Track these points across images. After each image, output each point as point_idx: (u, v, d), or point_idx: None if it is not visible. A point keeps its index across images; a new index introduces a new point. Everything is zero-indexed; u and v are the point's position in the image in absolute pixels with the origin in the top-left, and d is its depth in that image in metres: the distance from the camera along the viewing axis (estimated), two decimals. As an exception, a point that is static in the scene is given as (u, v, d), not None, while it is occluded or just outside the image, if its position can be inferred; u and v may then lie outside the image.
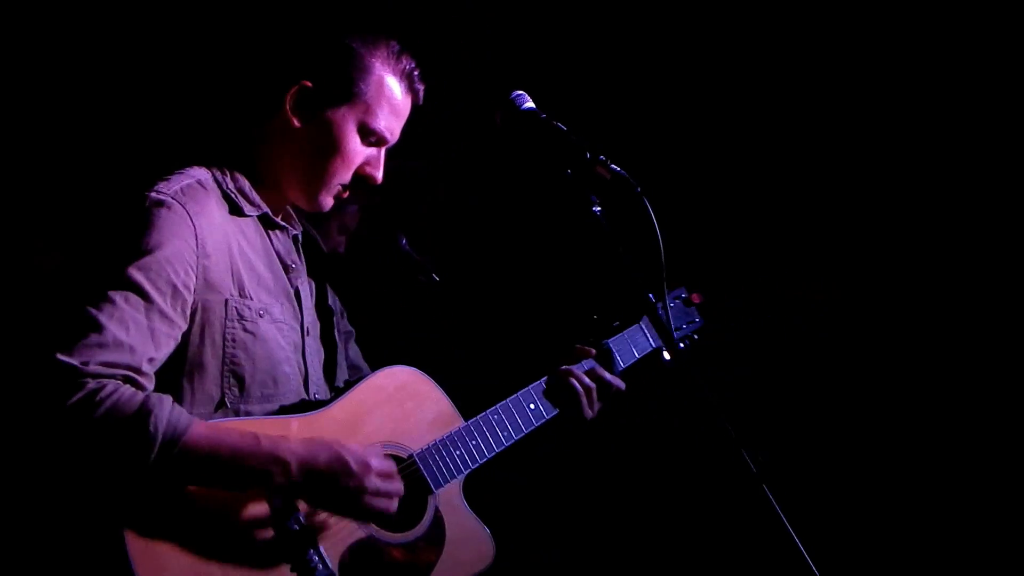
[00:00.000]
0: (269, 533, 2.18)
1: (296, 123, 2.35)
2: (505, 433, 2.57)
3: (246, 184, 2.37)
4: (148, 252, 2.11)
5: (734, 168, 3.99)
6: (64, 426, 1.97)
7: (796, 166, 3.97)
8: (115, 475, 2.03)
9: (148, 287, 2.10)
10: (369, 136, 2.39)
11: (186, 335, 2.19)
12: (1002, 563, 3.63)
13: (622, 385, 2.70)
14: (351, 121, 2.36)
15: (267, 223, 2.42)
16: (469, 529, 2.52)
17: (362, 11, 2.95)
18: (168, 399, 2.07)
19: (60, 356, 1.98)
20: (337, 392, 2.48)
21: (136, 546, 2.04)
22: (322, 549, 2.24)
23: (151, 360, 2.11)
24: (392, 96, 2.39)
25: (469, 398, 2.58)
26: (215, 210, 2.27)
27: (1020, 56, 3.73)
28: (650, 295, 2.84)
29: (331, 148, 2.35)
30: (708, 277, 3.61)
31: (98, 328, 2.03)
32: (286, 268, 2.43)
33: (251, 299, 2.28)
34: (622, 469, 3.80)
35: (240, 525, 2.15)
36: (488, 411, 2.57)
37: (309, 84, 2.34)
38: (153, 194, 2.18)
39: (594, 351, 2.72)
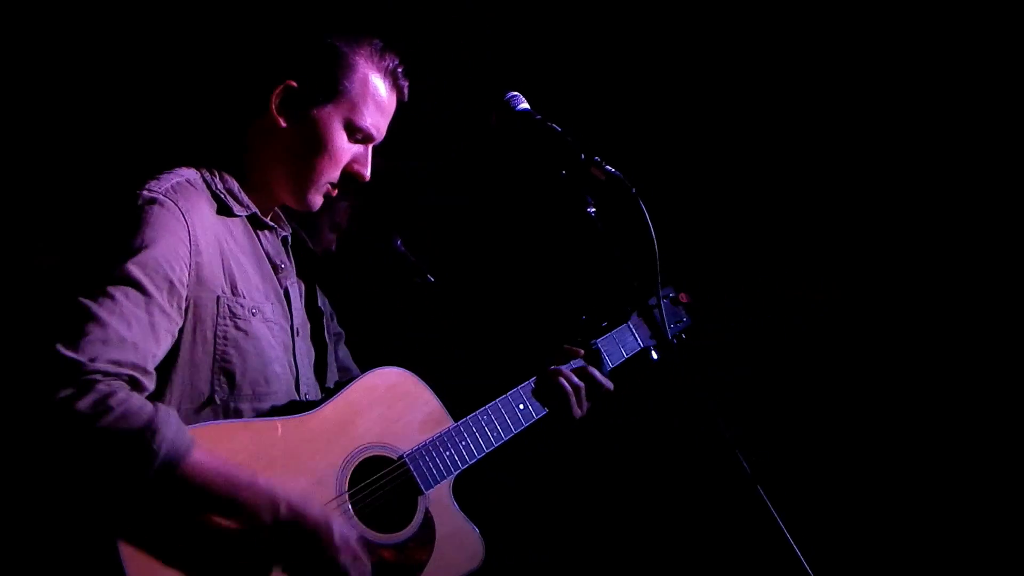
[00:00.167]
0: (262, 539, 2.17)
1: (282, 123, 2.36)
2: (495, 433, 2.58)
3: (235, 185, 2.38)
4: (144, 248, 2.11)
5: (734, 168, 3.98)
6: (68, 426, 1.96)
7: (796, 166, 3.96)
8: (110, 484, 2.03)
9: (146, 283, 2.10)
10: (356, 134, 2.40)
11: (179, 331, 2.20)
12: (1000, 564, 3.62)
13: (610, 385, 2.72)
14: (337, 119, 2.37)
15: (256, 223, 2.43)
16: (459, 529, 2.52)
17: (362, 11, 2.95)
18: (174, 415, 2.06)
19: (65, 351, 1.97)
20: (328, 393, 2.49)
21: (129, 555, 2.04)
22: None
23: (154, 357, 2.12)
24: (377, 93, 2.40)
25: (459, 399, 2.59)
26: (205, 208, 2.28)
27: (1020, 56, 3.71)
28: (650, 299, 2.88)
29: (318, 147, 2.36)
30: (708, 277, 3.63)
31: (101, 324, 2.02)
32: (275, 268, 2.44)
33: (243, 297, 2.29)
34: (615, 469, 3.80)
35: (235, 535, 2.14)
36: (477, 412, 2.58)
37: (294, 84, 2.35)
38: (145, 192, 2.19)
39: (582, 351, 2.73)
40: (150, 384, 2.11)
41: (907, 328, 3.89)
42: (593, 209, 2.14)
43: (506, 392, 2.63)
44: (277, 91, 2.35)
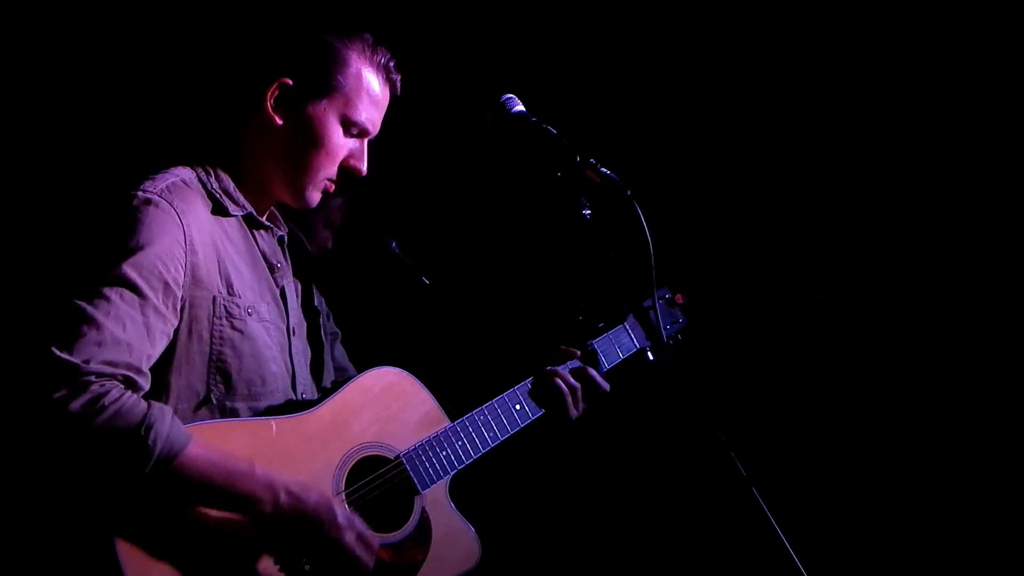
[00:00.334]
0: (259, 539, 2.19)
1: (278, 120, 2.37)
2: (491, 433, 2.59)
3: (230, 184, 2.38)
4: (139, 249, 2.12)
5: (734, 168, 3.98)
6: (64, 427, 1.97)
7: (796, 166, 3.95)
8: (107, 482, 2.04)
9: (141, 284, 2.11)
10: (351, 128, 2.41)
11: (175, 331, 2.20)
12: (999, 565, 3.61)
13: (606, 386, 2.72)
14: (332, 115, 2.37)
15: (251, 223, 2.43)
16: (455, 529, 2.53)
17: (361, 10, 2.96)
18: (169, 412, 2.08)
19: (59, 353, 1.98)
20: (324, 393, 2.50)
21: (126, 553, 2.06)
22: None
23: (149, 358, 2.13)
24: (370, 87, 2.41)
25: (456, 399, 2.60)
26: (200, 208, 2.28)
27: (1020, 56, 3.70)
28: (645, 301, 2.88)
29: (314, 143, 2.37)
30: (708, 277, 3.64)
31: (95, 325, 2.03)
32: (271, 268, 2.44)
33: (239, 297, 2.29)
34: (612, 469, 3.80)
35: (231, 533, 2.16)
36: (474, 412, 2.58)
37: (289, 81, 2.36)
38: (140, 192, 2.19)
39: (579, 352, 2.74)
40: (145, 384, 2.12)
41: (907, 328, 3.88)
42: (588, 211, 2.15)
43: (503, 392, 2.63)
44: (272, 89, 2.36)
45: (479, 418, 2.58)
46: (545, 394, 2.65)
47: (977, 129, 3.80)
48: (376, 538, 2.33)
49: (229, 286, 2.28)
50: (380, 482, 2.42)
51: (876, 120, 3.90)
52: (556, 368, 2.67)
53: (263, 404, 2.32)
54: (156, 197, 2.19)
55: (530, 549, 3.54)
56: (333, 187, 2.45)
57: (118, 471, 2.02)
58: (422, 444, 2.49)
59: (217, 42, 3.00)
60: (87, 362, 2.00)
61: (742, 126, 3.96)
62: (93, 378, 2.00)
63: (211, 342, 2.24)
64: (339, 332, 2.72)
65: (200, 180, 2.34)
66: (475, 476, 2.59)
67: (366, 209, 3.45)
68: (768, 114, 3.93)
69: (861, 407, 3.88)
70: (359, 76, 2.39)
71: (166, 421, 2.05)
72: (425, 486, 2.48)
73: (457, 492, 2.56)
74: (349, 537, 2.22)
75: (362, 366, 2.58)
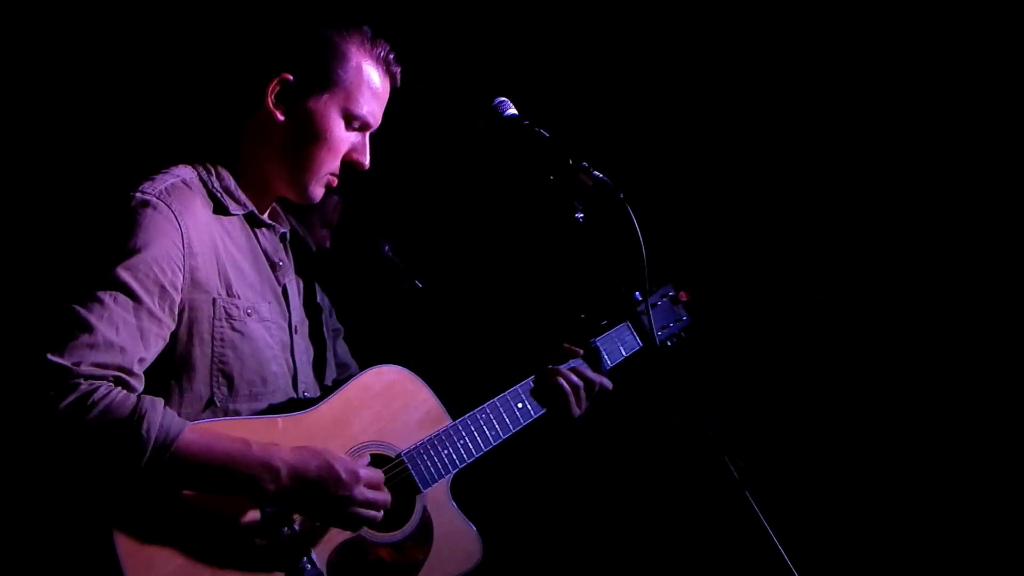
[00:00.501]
0: (260, 537, 2.20)
1: (279, 117, 2.36)
2: (493, 432, 2.57)
3: (232, 182, 2.38)
4: (135, 252, 2.12)
5: (734, 168, 3.97)
6: (56, 427, 1.99)
7: (796, 166, 3.95)
8: (106, 477, 2.05)
9: (136, 287, 2.11)
10: (353, 122, 2.40)
11: (174, 335, 2.20)
12: (997, 567, 3.61)
13: (609, 384, 2.70)
14: (333, 109, 2.36)
15: (253, 221, 2.42)
16: (457, 528, 2.52)
17: (360, 9, 2.95)
18: (160, 402, 2.08)
19: (51, 356, 1.99)
20: (326, 391, 2.49)
21: (125, 547, 2.06)
22: (312, 553, 2.25)
23: (141, 360, 2.13)
24: (371, 80, 2.40)
25: (457, 397, 2.58)
26: (200, 209, 2.27)
27: (1020, 56, 3.70)
28: (636, 294, 2.87)
29: (316, 137, 2.36)
30: (708, 277, 3.62)
31: (88, 328, 2.04)
32: (273, 266, 2.43)
33: (239, 298, 2.29)
34: (613, 468, 3.79)
35: (231, 529, 2.17)
36: (476, 410, 2.57)
37: (289, 77, 2.35)
38: (138, 194, 2.19)
39: (581, 350, 2.71)
40: (138, 385, 2.12)
41: (907, 328, 3.88)
42: (581, 214, 2.15)
43: (504, 391, 2.62)
44: (272, 85, 2.35)
45: (481, 416, 2.57)
46: (547, 393, 2.64)
47: (977, 129, 3.79)
48: (374, 538, 2.34)
49: (228, 287, 2.28)
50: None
51: (876, 120, 3.89)
52: (558, 367, 2.66)
53: (263, 404, 2.32)
54: (154, 199, 2.19)
55: (531, 548, 3.53)
56: (336, 181, 2.45)
57: (116, 464, 2.03)
58: (423, 443, 2.48)
59: (217, 40, 2.99)
60: (78, 364, 2.01)
61: (742, 126, 3.95)
62: (82, 380, 2.01)
63: (212, 344, 2.24)
64: (341, 328, 2.70)
65: (201, 179, 2.33)
66: (476, 475, 2.58)
67: (360, 210, 3.45)
68: (768, 114, 3.92)
69: (861, 407, 3.87)
70: (359, 69, 2.38)
71: (158, 410, 2.06)
72: (427, 485, 2.47)
73: (458, 491, 2.55)
74: (358, 492, 2.22)
75: (362, 365, 2.58)
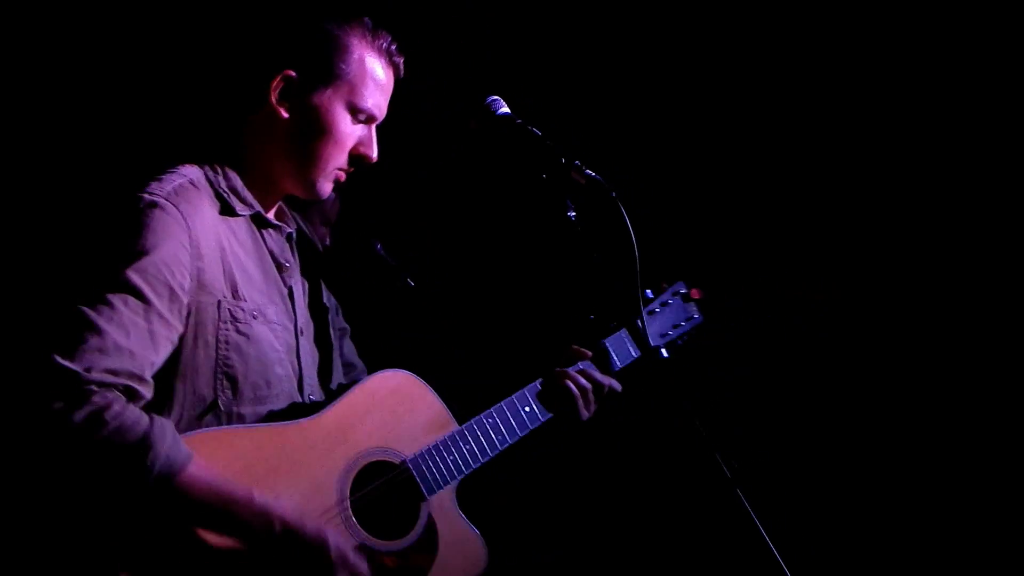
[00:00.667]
0: (258, 556, 2.16)
1: (284, 113, 2.34)
2: (500, 437, 2.53)
3: (238, 182, 2.35)
4: (144, 254, 2.10)
5: (734, 167, 3.95)
6: (65, 440, 1.96)
7: (796, 165, 3.92)
8: (103, 496, 2.03)
9: (146, 290, 2.09)
10: (358, 115, 2.37)
11: (180, 337, 2.18)
12: (993, 568, 3.60)
13: (618, 386, 2.65)
14: (338, 103, 2.34)
15: (259, 222, 2.40)
16: (462, 535, 2.48)
17: (359, 9, 2.93)
18: (170, 429, 2.06)
19: (60, 360, 1.97)
20: (330, 396, 2.46)
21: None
22: None
23: (151, 365, 2.11)
24: (374, 72, 2.38)
25: (463, 400, 2.55)
26: (207, 210, 2.26)
27: (1020, 56, 3.69)
28: (648, 292, 2.84)
29: (322, 132, 2.34)
30: (708, 277, 3.60)
31: (98, 332, 2.01)
32: (279, 267, 2.41)
33: (244, 300, 2.27)
34: (616, 469, 3.76)
35: (230, 551, 2.13)
36: (482, 414, 2.53)
37: (292, 73, 2.33)
38: (146, 195, 2.17)
39: (590, 352, 2.66)
40: (147, 392, 2.10)
41: (907, 328, 3.86)
42: (573, 213, 2.14)
43: (511, 393, 2.58)
44: (275, 82, 2.33)
45: (487, 421, 2.52)
46: (555, 395, 2.59)
47: (977, 129, 3.78)
48: (378, 546, 2.31)
49: (234, 289, 2.26)
50: (385, 488, 2.38)
51: (876, 120, 3.88)
52: (566, 369, 2.61)
53: (268, 408, 2.30)
54: (162, 200, 2.17)
55: (533, 549, 3.49)
56: (345, 176, 2.43)
57: (115, 487, 2.01)
58: (429, 448, 2.44)
59: (219, 38, 2.96)
60: (88, 370, 1.98)
61: (742, 124, 3.92)
62: (94, 387, 1.98)
63: (217, 347, 2.22)
64: (348, 327, 2.67)
65: (208, 179, 2.31)
66: (477, 476, 2.54)
67: (354, 208, 3.42)
68: (768, 113, 3.90)
69: (861, 407, 3.85)
70: (362, 61, 2.36)
71: (166, 440, 2.03)
72: (431, 491, 2.43)
73: (462, 494, 2.51)
74: (340, 573, 2.18)
75: (368, 362, 2.58)
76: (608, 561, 3.71)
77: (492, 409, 2.54)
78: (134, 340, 2.06)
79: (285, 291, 2.41)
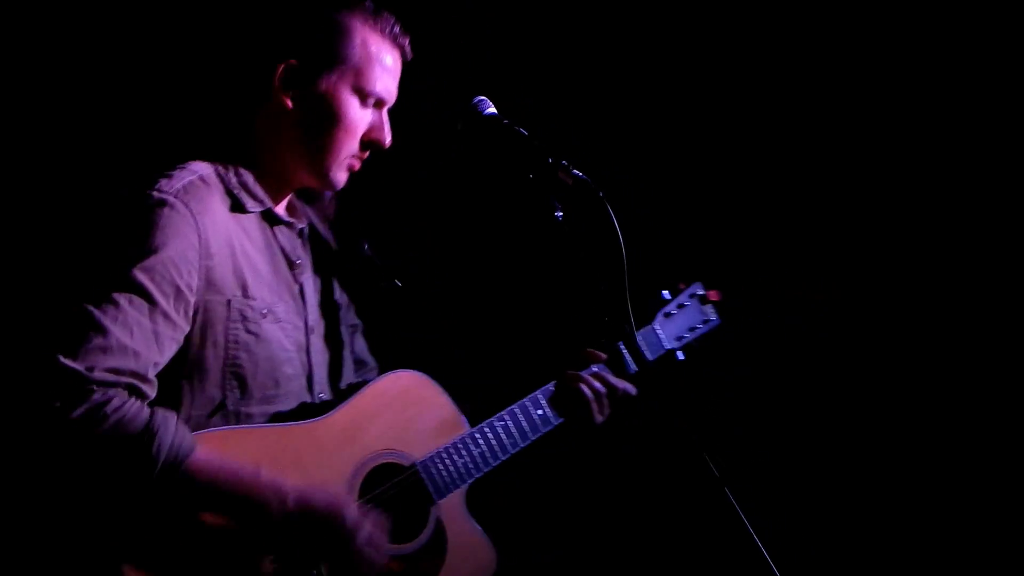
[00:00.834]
0: (266, 546, 2.13)
1: (289, 104, 2.29)
2: (511, 440, 2.48)
3: (249, 178, 2.31)
4: (151, 253, 2.08)
5: (734, 167, 3.91)
6: (66, 436, 1.95)
7: (796, 165, 3.89)
8: (114, 491, 2.02)
9: (152, 289, 2.07)
10: (366, 99, 2.32)
11: (187, 336, 2.16)
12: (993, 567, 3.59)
13: (633, 390, 2.58)
14: (345, 88, 2.29)
15: (270, 219, 2.36)
16: (471, 540, 2.44)
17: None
18: (173, 418, 2.05)
19: (64, 360, 1.96)
20: (340, 396, 2.42)
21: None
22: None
23: (155, 365, 2.09)
24: (379, 54, 2.33)
25: (472, 400, 2.51)
26: (218, 208, 2.23)
27: (1020, 56, 3.66)
28: (664, 293, 2.79)
29: (331, 120, 2.29)
30: (707, 277, 3.57)
31: (102, 331, 2.00)
32: (291, 264, 2.38)
33: (254, 299, 2.24)
34: (619, 470, 3.73)
35: (244, 533, 2.11)
36: (494, 417, 2.48)
37: (294, 61, 2.28)
38: (155, 193, 2.14)
39: (604, 355, 2.61)
40: (151, 392, 2.08)
41: (907, 329, 3.84)
42: (560, 213, 2.12)
43: (524, 396, 2.54)
44: (279, 72, 2.28)
45: (499, 424, 2.47)
46: (568, 399, 2.53)
47: (977, 129, 3.75)
48: (387, 544, 2.25)
49: (244, 288, 2.23)
50: (394, 491, 2.34)
51: (876, 120, 3.85)
52: (580, 372, 2.56)
53: (278, 407, 2.27)
54: (171, 198, 2.14)
55: (533, 549, 3.45)
56: (359, 164, 2.38)
57: (124, 480, 2.00)
58: (439, 451, 2.40)
59: (223, 33, 2.91)
60: (91, 369, 1.97)
61: (742, 125, 3.89)
62: (95, 386, 1.97)
63: (226, 347, 2.19)
64: (360, 324, 2.63)
65: (219, 175, 2.27)
66: (491, 479, 2.50)
67: (343, 207, 3.39)
68: (768, 112, 3.87)
69: (861, 407, 3.83)
70: (365, 44, 2.31)
71: (170, 428, 2.02)
72: (441, 495, 2.39)
73: (470, 496, 2.47)
74: (360, 539, 2.16)
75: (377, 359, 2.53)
76: (609, 561, 3.67)
77: (504, 412, 2.50)
78: (138, 340, 2.04)
79: (296, 288, 2.38)
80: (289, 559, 2.14)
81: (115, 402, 1.97)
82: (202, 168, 2.24)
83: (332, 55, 2.29)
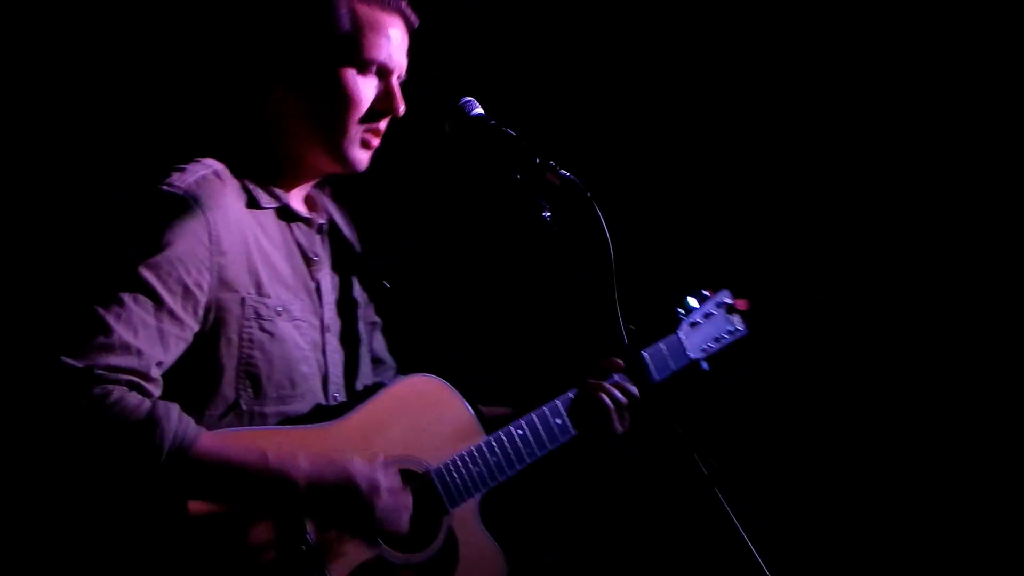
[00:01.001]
0: (276, 557, 2.09)
1: (291, 90, 2.26)
2: (528, 450, 2.41)
3: (263, 174, 2.27)
4: (159, 250, 2.05)
5: (734, 168, 3.89)
6: (68, 432, 1.94)
7: (796, 166, 3.87)
8: (122, 483, 2.00)
9: (158, 287, 2.03)
10: (365, 68, 2.25)
11: (200, 335, 2.12)
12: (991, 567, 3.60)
13: None
14: (340, 61, 2.24)
15: (287, 215, 2.31)
16: (484, 551, 2.39)
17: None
18: (175, 408, 2.01)
19: (65, 359, 1.94)
20: (355, 397, 2.36)
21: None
22: (328, 573, 2.13)
23: (159, 364, 2.05)
24: (371, 20, 2.26)
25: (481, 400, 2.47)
26: (232, 203, 2.18)
27: (1020, 56, 3.66)
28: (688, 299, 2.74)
29: (332, 96, 2.24)
30: (708, 277, 3.54)
31: (106, 330, 1.97)
32: (308, 261, 2.33)
33: (269, 296, 2.20)
34: (622, 472, 3.69)
35: (247, 549, 2.07)
36: (511, 425, 2.41)
37: (289, 48, 2.25)
38: (165, 187, 2.10)
39: (624, 364, 2.53)
40: (154, 390, 2.05)
41: (907, 329, 3.83)
42: (549, 214, 2.10)
43: (543, 404, 2.47)
44: (276, 62, 2.26)
45: (517, 432, 2.40)
46: (588, 408, 2.46)
47: (977, 129, 3.74)
48: (396, 559, 2.23)
49: (259, 285, 2.19)
50: None
51: (876, 120, 3.83)
52: (602, 381, 2.48)
53: (291, 408, 2.23)
54: (182, 193, 2.10)
55: (536, 550, 3.41)
56: (376, 140, 2.31)
57: (129, 471, 1.99)
58: (454, 459, 2.33)
59: (223, 29, 2.90)
60: (92, 368, 1.95)
61: (742, 125, 3.87)
62: (95, 384, 1.95)
63: (240, 346, 2.15)
64: (380, 321, 2.58)
65: (233, 171, 2.22)
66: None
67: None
68: (768, 113, 3.85)
69: (860, 408, 3.82)
70: (354, 13, 2.24)
71: (172, 417, 1.99)
72: (454, 504, 2.33)
73: (483, 506, 2.42)
74: (380, 499, 2.14)
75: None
76: (613, 563, 3.64)
77: (522, 419, 2.43)
78: (142, 339, 2.01)
79: (313, 286, 2.34)
80: (309, 533, 2.10)
81: (115, 395, 1.95)
82: (216, 163, 2.20)
83: (322, 32, 2.24)
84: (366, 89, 2.26)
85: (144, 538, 2.01)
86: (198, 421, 2.08)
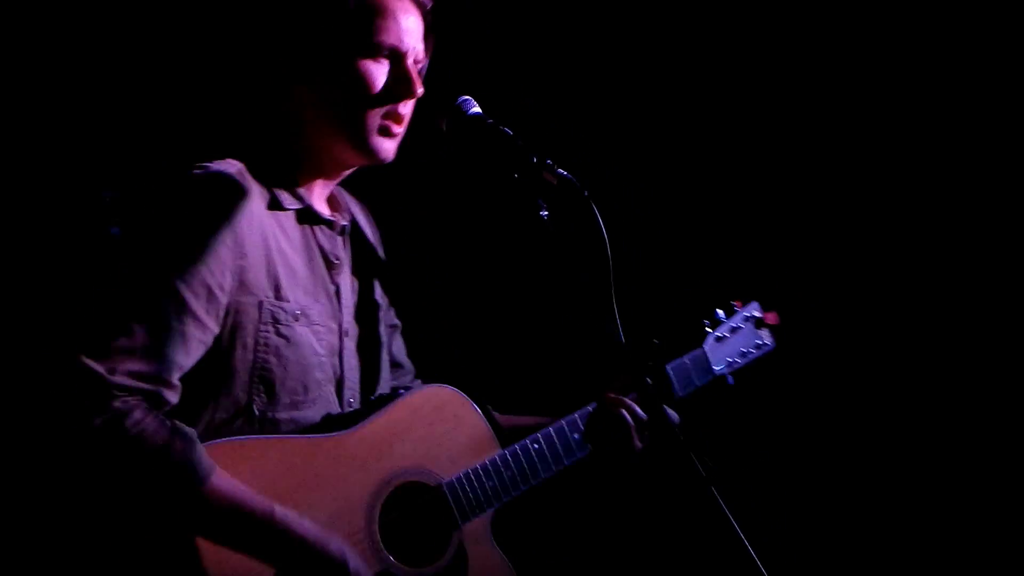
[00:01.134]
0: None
1: (307, 85, 2.21)
2: (544, 465, 2.35)
3: (286, 174, 2.24)
4: (184, 252, 2.03)
5: (733, 168, 3.84)
6: (84, 444, 1.92)
7: (795, 166, 3.82)
8: (126, 502, 1.98)
9: (183, 290, 2.01)
10: (375, 53, 2.21)
11: (216, 338, 2.09)
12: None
13: (676, 417, 2.41)
14: (348, 49, 2.20)
15: (309, 217, 2.27)
16: (494, 568, 2.33)
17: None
18: (192, 441, 2.00)
19: (86, 360, 1.92)
20: (369, 405, 2.30)
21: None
22: None
23: (180, 368, 2.03)
24: (377, 4, 2.22)
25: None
26: (254, 204, 2.15)
27: (1020, 56, 3.63)
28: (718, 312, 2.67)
29: (345, 85, 2.20)
30: (707, 278, 3.51)
31: (128, 332, 1.96)
32: (328, 264, 2.29)
33: (287, 300, 2.17)
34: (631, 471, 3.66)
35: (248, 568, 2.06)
36: (527, 439, 2.35)
37: (297, 41, 2.21)
38: (189, 187, 2.09)
39: (648, 379, 2.45)
40: (173, 397, 2.02)
41: (907, 329, 3.81)
42: (546, 213, 2.04)
43: (557, 411, 2.42)
44: (290, 61, 2.22)
45: (533, 447, 2.34)
46: (607, 424, 2.37)
47: (976, 130, 3.71)
48: (404, 573, 2.20)
49: (277, 289, 2.15)
50: (417, 512, 2.24)
51: (876, 121, 3.78)
52: (622, 396, 2.39)
53: (305, 414, 2.19)
54: (206, 194, 2.09)
55: (536, 551, 3.38)
56: (397, 127, 2.25)
57: (134, 494, 1.97)
58: (467, 473, 2.28)
59: (237, 26, 2.84)
60: (112, 371, 1.93)
61: (743, 126, 3.82)
62: (116, 391, 1.93)
63: (255, 350, 2.12)
64: (399, 324, 2.53)
65: (255, 172, 2.18)
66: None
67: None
68: (768, 113, 3.79)
69: (860, 408, 3.80)
70: (358, 1, 2.20)
71: (187, 450, 1.98)
72: (466, 518, 2.28)
73: (495, 521, 2.36)
74: None
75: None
76: (618, 565, 3.61)
77: (539, 433, 2.36)
78: (165, 341, 1.99)
79: (332, 289, 2.29)
80: None
81: (136, 415, 1.93)
82: (238, 163, 2.17)
83: (331, 21, 2.20)
84: (378, 74, 2.21)
85: (136, 553, 1.99)
86: (209, 424, 2.08)
